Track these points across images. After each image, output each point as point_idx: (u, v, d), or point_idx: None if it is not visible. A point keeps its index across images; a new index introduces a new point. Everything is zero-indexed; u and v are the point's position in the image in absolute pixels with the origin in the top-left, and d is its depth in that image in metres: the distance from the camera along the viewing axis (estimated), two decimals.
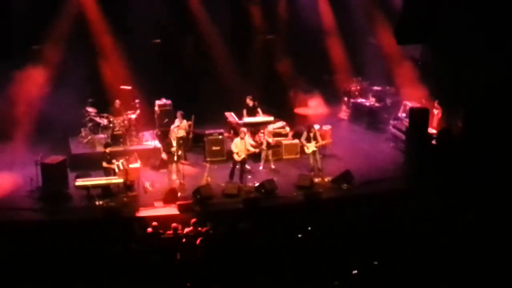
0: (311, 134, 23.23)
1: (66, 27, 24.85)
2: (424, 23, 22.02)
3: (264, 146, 23.71)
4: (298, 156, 24.74)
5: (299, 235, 17.86)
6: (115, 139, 23.62)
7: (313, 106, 28.22)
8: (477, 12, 22.13)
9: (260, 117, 25.35)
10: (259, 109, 25.48)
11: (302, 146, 23.91)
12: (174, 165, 22.24)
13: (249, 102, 25.45)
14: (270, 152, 23.85)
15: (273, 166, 23.80)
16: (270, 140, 23.82)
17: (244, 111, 25.37)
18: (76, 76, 24.52)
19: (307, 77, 28.40)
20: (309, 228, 18.30)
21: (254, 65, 27.95)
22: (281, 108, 26.89)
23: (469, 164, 22.36)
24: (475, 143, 22.93)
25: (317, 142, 23.23)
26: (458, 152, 23.05)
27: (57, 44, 24.79)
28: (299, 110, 27.53)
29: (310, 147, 23.18)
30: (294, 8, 27.89)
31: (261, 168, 23.74)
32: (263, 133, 24.08)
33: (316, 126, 23.92)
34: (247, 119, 25.15)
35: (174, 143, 22.22)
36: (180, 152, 22.35)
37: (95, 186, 21.29)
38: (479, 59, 22.81)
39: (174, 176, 22.24)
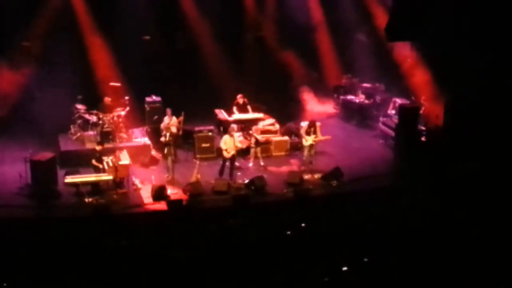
0: (312, 128, 23.32)
1: (56, 23, 24.78)
2: (415, 21, 22.04)
3: (253, 144, 23.76)
4: (287, 153, 24.77)
5: (288, 232, 17.90)
6: (105, 136, 23.57)
7: (307, 103, 28.24)
8: (467, 10, 22.18)
9: (250, 114, 25.39)
10: (248, 107, 25.52)
11: (299, 140, 24.11)
12: (169, 161, 22.31)
13: (240, 100, 25.48)
14: (259, 149, 23.88)
15: (262, 163, 23.81)
16: (259, 137, 23.89)
17: (234, 108, 25.40)
18: (66, 73, 24.49)
19: (297, 74, 28.43)
20: (300, 225, 18.33)
21: (244, 61, 27.92)
22: (275, 104, 26.80)
23: (458, 160, 22.45)
24: (464, 138, 23.01)
25: (316, 136, 23.34)
26: (446, 148, 23.11)
27: (47, 40, 24.72)
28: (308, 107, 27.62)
29: (309, 140, 23.26)
30: (284, 5, 27.86)
31: (250, 165, 23.76)
32: (251, 130, 24.13)
33: (304, 123, 23.92)
34: (236, 116, 25.17)
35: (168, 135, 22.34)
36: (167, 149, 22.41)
37: (84, 183, 21.26)
38: (468, 56, 22.90)
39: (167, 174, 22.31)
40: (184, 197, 21.32)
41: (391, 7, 23.35)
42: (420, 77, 25.87)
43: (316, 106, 28.09)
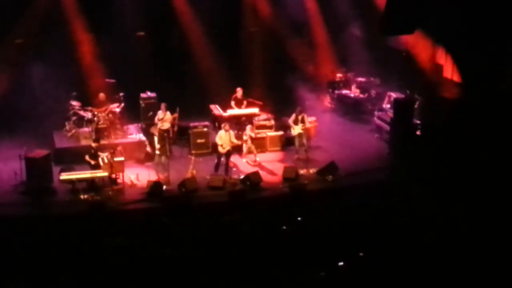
0: (299, 117, 23.67)
1: (49, 20, 24.70)
2: (411, 14, 21.90)
3: (249, 142, 23.71)
4: (282, 148, 24.79)
5: (284, 227, 17.91)
6: (100, 133, 23.55)
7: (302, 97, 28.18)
8: (465, 3, 22.08)
9: (245, 110, 25.37)
10: (245, 101, 25.52)
11: (289, 127, 24.44)
12: (157, 159, 22.25)
13: (238, 93, 25.49)
14: (253, 146, 23.86)
15: (257, 159, 23.81)
16: (253, 134, 23.88)
17: (233, 103, 25.41)
18: (60, 69, 24.43)
19: (291, 69, 28.32)
20: (295, 220, 18.35)
21: (239, 57, 27.78)
22: (270, 100, 26.76)
23: (453, 155, 22.44)
24: (459, 134, 22.99)
25: (304, 125, 23.51)
26: (442, 142, 23.10)
27: (40, 38, 24.66)
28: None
29: (296, 129, 23.58)
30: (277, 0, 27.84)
31: (244, 160, 23.75)
32: (245, 128, 24.11)
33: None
34: (230, 111, 25.16)
35: (155, 138, 22.21)
36: (161, 146, 22.30)
37: (80, 180, 21.24)
38: (465, 50, 22.88)
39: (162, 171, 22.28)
40: (179, 193, 21.31)
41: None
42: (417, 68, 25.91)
43: (311, 100, 28.01)
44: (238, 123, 24.92)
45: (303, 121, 23.78)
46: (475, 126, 22.64)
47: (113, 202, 20.87)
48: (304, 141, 23.77)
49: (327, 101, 29.03)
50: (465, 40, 22.40)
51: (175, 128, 24.32)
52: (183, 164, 23.04)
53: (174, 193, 21.36)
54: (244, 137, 23.78)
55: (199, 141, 24.34)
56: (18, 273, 15.74)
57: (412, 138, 24.02)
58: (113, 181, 21.67)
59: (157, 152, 22.20)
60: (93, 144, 22.02)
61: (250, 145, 23.73)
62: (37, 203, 20.74)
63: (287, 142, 24.87)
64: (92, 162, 21.65)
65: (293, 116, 23.93)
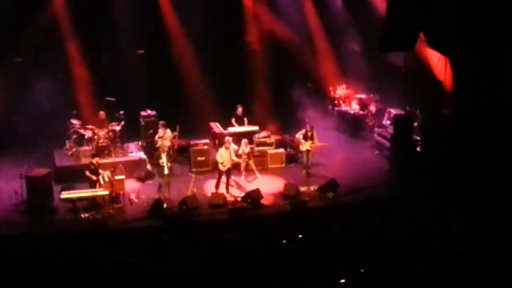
0: (309, 134, 23.62)
1: (48, 39, 24.79)
2: (409, 31, 21.94)
3: (244, 157, 23.63)
4: (283, 165, 24.79)
5: (284, 241, 17.91)
6: (100, 151, 23.55)
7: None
8: (462, 20, 22.14)
9: (245, 127, 25.41)
10: (245, 119, 25.56)
11: (295, 152, 24.74)
12: (164, 178, 22.16)
13: (239, 111, 25.53)
14: (251, 162, 23.80)
15: (258, 176, 23.78)
16: (247, 150, 23.73)
17: (233, 120, 25.46)
18: (60, 87, 24.51)
19: (292, 85, 28.33)
20: (297, 237, 18.33)
21: (239, 74, 27.82)
22: (270, 116, 26.78)
23: (453, 171, 22.46)
24: (459, 149, 23.02)
25: (313, 142, 23.51)
26: (442, 159, 23.11)
27: (40, 56, 24.73)
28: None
29: (305, 146, 23.51)
30: (278, 16, 27.87)
31: (242, 178, 23.70)
32: (241, 144, 24.07)
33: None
34: (231, 129, 25.20)
35: (163, 156, 22.12)
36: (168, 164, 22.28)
37: (80, 199, 21.22)
38: (463, 67, 22.95)
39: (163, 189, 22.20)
40: (180, 211, 21.30)
41: (384, 17, 23.19)
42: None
43: (311, 117, 28.03)
44: (239, 140, 24.94)
45: (312, 138, 23.73)
46: (474, 141, 22.68)
47: (114, 220, 20.83)
48: (310, 157, 23.77)
49: (327, 118, 29.02)
50: (464, 55, 22.49)
51: (175, 146, 24.35)
52: (183, 182, 23.02)
53: (175, 211, 21.34)
54: (239, 152, 23.72)
55: (199, 158, 24.34)
56: None
57: (412, 154, 24.04)
58: (114, 200, 21.65)
59: (167, 171, 22.05)
60: (94, 160, 22.00)
61: (246, 161, 23.65)
62: (37, 222, 20.67)
63: (287, 159, 24.87)
64: (94, 178, 21.62)
65: (303, 131, 23.84)
